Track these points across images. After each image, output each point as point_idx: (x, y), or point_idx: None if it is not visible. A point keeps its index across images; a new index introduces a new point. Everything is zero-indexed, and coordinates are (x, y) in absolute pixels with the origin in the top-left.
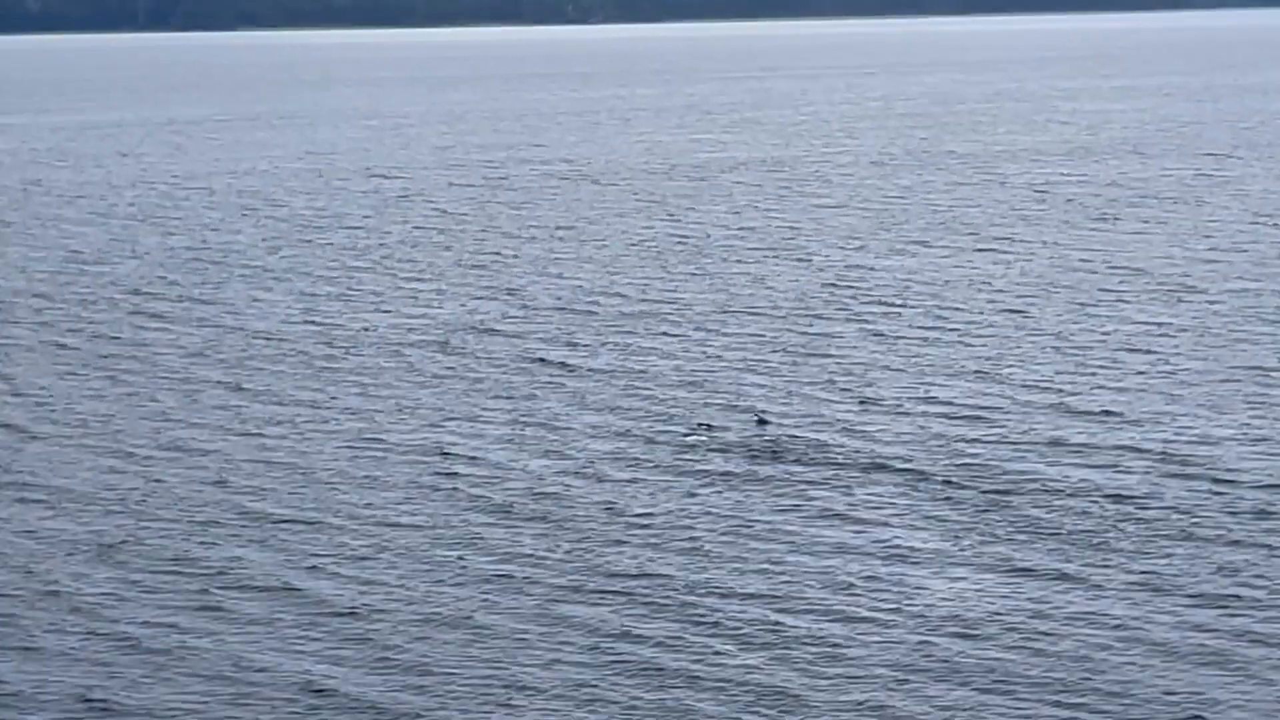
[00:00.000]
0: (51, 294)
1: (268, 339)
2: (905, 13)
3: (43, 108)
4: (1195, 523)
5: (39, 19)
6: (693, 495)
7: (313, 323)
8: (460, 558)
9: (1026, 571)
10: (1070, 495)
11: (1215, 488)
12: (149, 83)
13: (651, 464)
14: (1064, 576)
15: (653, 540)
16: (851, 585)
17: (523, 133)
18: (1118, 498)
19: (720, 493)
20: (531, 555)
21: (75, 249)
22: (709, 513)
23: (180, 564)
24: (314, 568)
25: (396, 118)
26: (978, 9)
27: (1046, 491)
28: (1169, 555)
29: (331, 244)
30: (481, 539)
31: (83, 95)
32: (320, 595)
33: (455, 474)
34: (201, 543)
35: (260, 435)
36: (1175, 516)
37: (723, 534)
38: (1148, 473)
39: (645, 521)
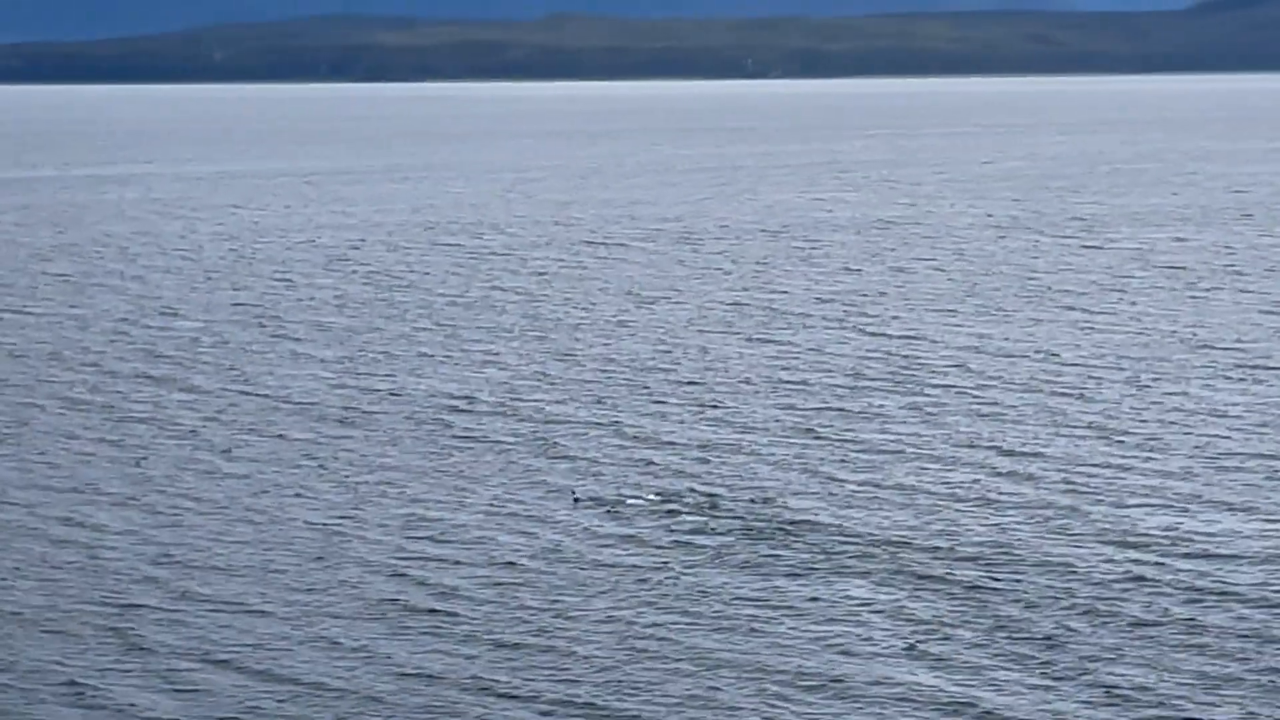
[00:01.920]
0: (81, 349)
1: (280, 402)
2: (1089, 70)
3: (185, 157)
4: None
5: (223, 69)
6: (638, 569)
7: (337, 384)
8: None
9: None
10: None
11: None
12: (303, 133)
13: (594, 533)
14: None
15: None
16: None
17: (647, 189)
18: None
19: (686, 571)
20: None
21: (140, 301)
22: (658, 588)
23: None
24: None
25: (530, 171)
26: (1161, 68)
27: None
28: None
29: (398, 302)
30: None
31: (227, 145)
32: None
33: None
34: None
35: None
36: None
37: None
38: (1157, 565)
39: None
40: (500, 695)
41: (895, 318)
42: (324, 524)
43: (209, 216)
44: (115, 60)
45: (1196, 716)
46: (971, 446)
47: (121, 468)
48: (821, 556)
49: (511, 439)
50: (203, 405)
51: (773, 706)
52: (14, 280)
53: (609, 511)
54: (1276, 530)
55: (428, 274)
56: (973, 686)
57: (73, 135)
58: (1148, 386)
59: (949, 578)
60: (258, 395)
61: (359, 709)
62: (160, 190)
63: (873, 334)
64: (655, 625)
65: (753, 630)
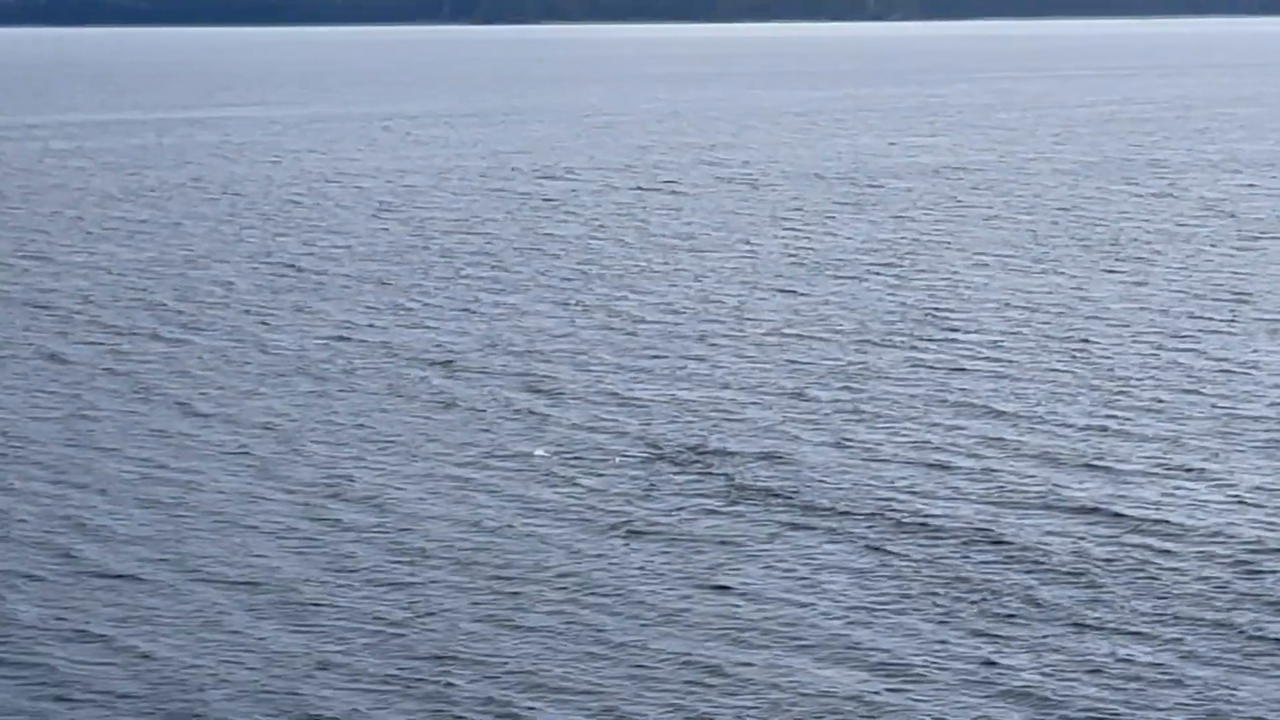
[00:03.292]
0: (103, 295)
1: (291, 353)
2: (1215, 12)
3: (278, 100)
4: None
5: (343, 11)
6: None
7: (346, 337)
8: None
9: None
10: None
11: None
12: (403, 76)
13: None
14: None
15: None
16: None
17: (730, 133)
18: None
19: (653, 517)
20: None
21: (175, 249)
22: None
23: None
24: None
25: (619, 115)
26: None
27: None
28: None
29: (440, 249)
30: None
31: (324, 89)
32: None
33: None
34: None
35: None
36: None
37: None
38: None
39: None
40: (462, 661)
41: (944, 267)
42: (328, 479)
43: (278, 161)
44: (242, 2)
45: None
46: (988, 405)
47: (118, 419)
48: (808, 516)
49: (517, 390)
50: (201, 354)
51: (740, 670)
52: (70, 224)
53: (589, 465)
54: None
55: (480, 220)
56: (972, 654)
57: (178, 78)
58: (1194, 342)
59: (945, 542)
60: (267, 347)
61: (321, 674)
62: (241, 134)
63: (915, 284)
64: (623, 585)
65: (712, 593)
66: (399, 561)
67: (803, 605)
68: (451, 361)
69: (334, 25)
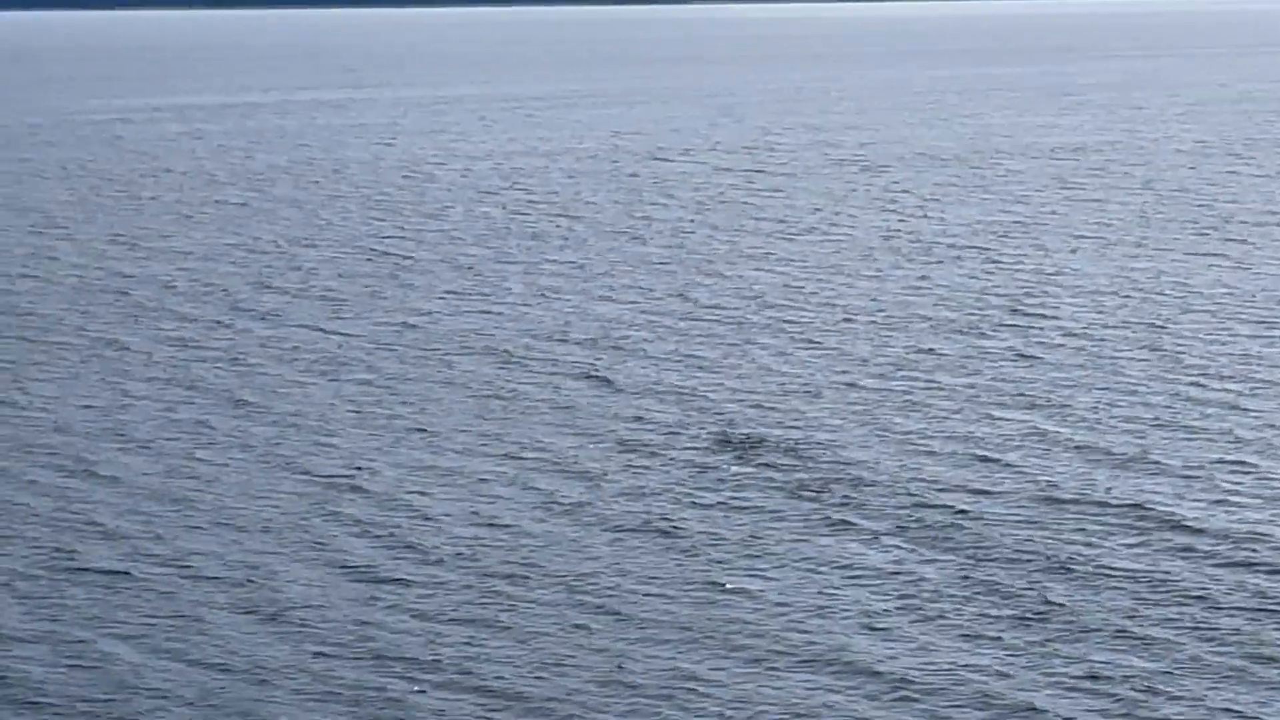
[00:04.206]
0: (186, 281)
1: (346, 340)
2: None
3: (400, 82)
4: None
5: None
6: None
7: (414, 325)
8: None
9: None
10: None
11: None
12: (547, 56)
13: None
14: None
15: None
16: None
17: (857, 114)
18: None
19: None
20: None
21: (265, 234)
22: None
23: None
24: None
25: (749, 96)
26: None
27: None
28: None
29: (538, 232)
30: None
31: (465, 69)
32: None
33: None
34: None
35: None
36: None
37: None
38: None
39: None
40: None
41: (1044, 252)
42: (408, 461)
43: (391, 143)
44: None
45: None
46: (1062, 399)
47: (195, 401)
48: (856, 509)
49: (580, 379)
50: (262, 342)
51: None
52: (166, 209)
53: (653, 453)
54: None
55: (581, 203)
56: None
57: (304, 59)
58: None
59: (1004, 542)
60: (333, 335)
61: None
62: (362, 116)
63: (1011, 270)
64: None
65: (767, 586)
66: (455, 555)
67: (841, 606)
68: (520, 348)
69: (483, 7)
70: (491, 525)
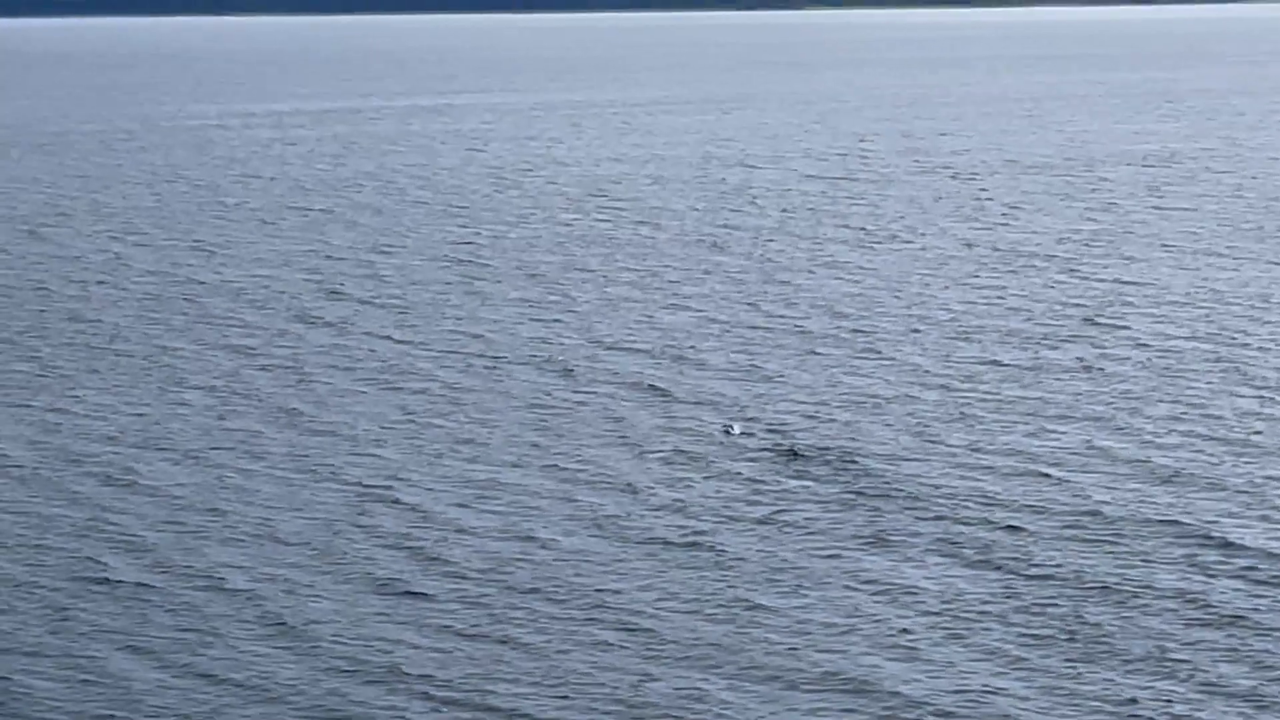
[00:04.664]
0: (255, 289)
1: (404, 350)
2: None
3: (501, 87)
4: None
5: None
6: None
7: (477, 334)
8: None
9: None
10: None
11: None
12: (645, 62)
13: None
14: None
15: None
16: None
17: (956, 120)
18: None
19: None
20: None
21: (341, 241)
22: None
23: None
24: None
25: (849, 102)
26: None
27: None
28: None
29: (617, 241)
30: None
31: (563, 74)
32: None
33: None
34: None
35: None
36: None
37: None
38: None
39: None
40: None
41: (1128, 261)
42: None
43: (483, 149)
44: None
45: None
46: (1133, 411)
47: (271, 408)
48: (904, 525)
49: (659, 384)
50: (316, 352)
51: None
52: (248, 215)
53: (701, 466)
54: None
55: (666, 211)
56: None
57: (406, 64)
58: None
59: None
60: (390, 345)
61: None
62: (458, 121)
63: (1093, 279)
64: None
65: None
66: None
67: (876, 628)
68: (581, 359)
69: (604, 12)
70: (525, 539)
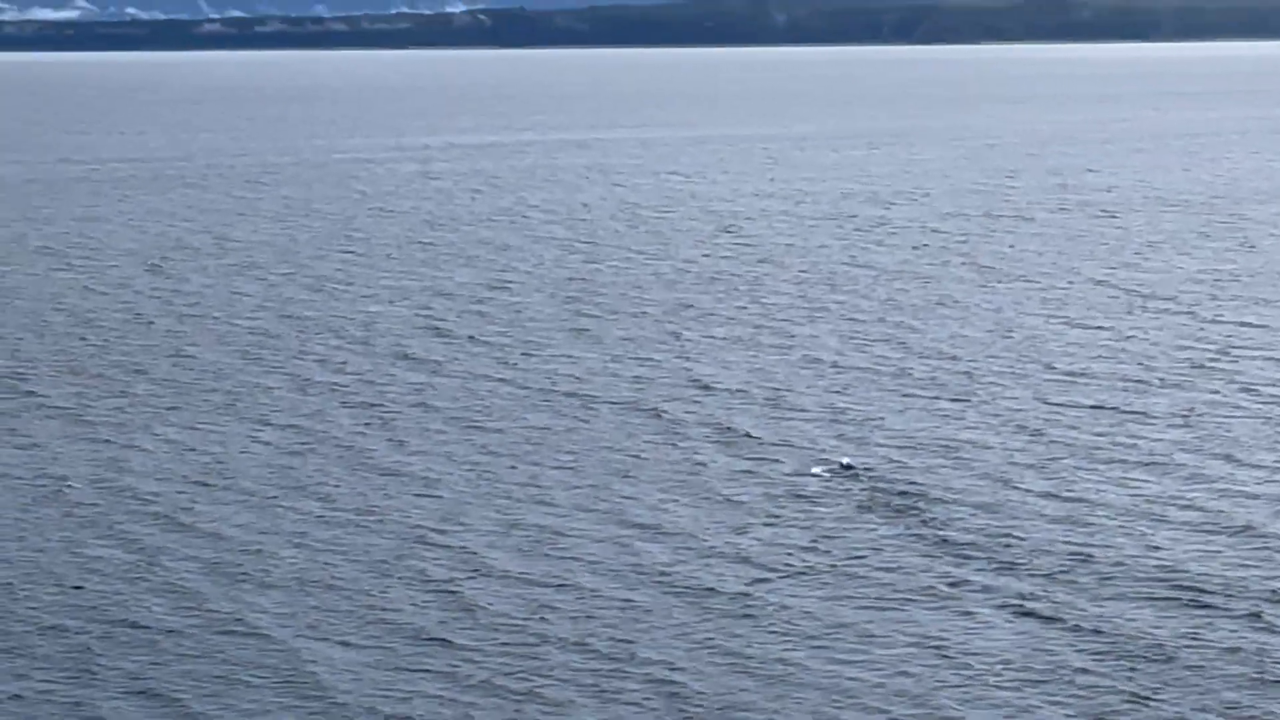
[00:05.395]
0: (375, 321)
1: (554, 386)
2: None
3: (658, 122)
4: None
5: (786, 31)
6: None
7: (578, 375)
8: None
9: None
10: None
11: None
12: (814, 96)
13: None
14: None
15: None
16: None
17: (1109, 156)
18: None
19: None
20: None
21: (469, 276)
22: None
23: None
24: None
25: (1004, 137)
26: None
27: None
28: None
29: (734, 279)
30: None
31: (716, 108)
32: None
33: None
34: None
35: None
36: None
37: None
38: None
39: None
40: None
41: (1257, 302)
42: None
43: (626, 184)
44: (682, 24)
45: None
46: (1232, 464)
47: (373, 445)
48: (977, 575)
49: (751, 427)
50: (433, 381)
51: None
52: (383, 248)
53: (767, 515)
54: None
55: (799, 248)
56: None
57: (589, 97)
58: None
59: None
60: (508, 375)
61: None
62: (611, 155)
63: (1213, 321)
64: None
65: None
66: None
67: (917, 687)
68: (669, 402)
69: (775, 46)
70: (567, 589)
